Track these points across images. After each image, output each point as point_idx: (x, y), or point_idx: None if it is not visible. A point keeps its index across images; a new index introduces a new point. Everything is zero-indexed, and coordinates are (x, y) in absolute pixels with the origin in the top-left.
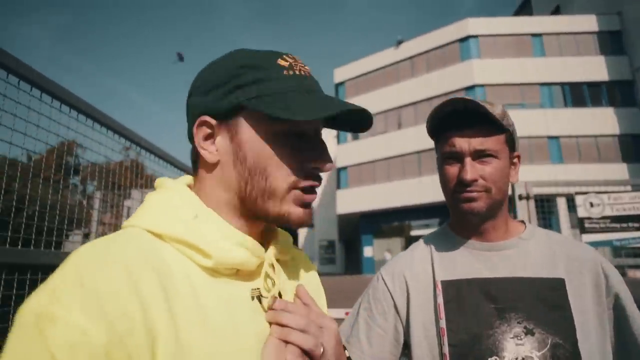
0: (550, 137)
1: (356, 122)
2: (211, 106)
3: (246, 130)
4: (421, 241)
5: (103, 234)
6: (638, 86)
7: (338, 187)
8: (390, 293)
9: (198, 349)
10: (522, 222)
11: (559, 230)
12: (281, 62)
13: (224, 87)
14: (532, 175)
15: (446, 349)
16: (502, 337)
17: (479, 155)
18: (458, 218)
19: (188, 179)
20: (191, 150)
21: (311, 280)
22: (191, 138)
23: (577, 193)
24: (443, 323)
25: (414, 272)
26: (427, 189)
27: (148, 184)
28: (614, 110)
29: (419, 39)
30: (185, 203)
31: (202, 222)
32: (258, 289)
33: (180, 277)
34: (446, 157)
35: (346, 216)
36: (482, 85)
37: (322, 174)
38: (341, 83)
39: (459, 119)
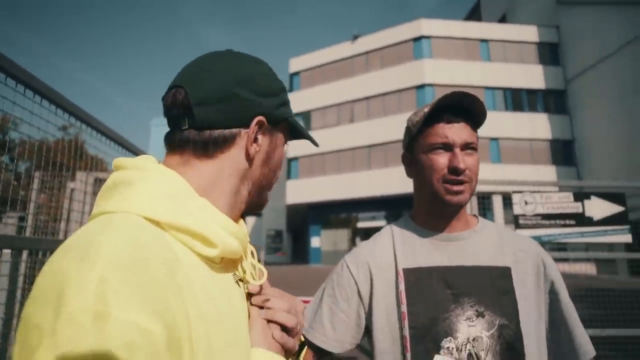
0: (492, 139)
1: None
2: (270, 112)
3: (280, 139)
4: (384, 231)
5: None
6: (569, 95)
7: (288, 177)
8: (355, 280)
9: (218, 340)
10: (475, 216)
11: None
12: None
13: (277, 99)
14: None
15: (407, 332)
16: (457, 319)
17: (466, 147)
18: (429, 208)
19: (152, 159)
20: (194, 134)
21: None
22: (223, 124)
23: (514, 192)
24: (404, 308)
25: (377, 261)
26: (376, 183)
27: (93, 165)
28: (548, 116)
29: (374, 35)
30: (183, 190)
31: (202, 211)
32: (235, 274)
33: (189, 267)
34: (436, 147)
35: (295, 206)
36: (431, 85)
37: None
38: (296, 73)
39: (444, 113)
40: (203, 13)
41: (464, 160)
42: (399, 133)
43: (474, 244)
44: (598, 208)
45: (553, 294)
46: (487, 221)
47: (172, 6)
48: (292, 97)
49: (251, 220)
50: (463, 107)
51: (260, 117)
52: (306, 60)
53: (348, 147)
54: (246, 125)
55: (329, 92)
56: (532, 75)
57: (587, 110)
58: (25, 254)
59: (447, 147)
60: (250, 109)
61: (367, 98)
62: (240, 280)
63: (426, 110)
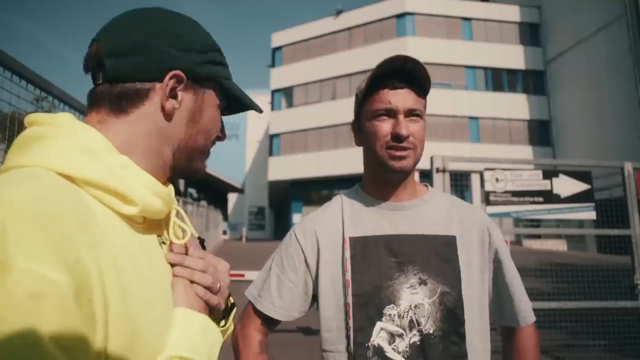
0: (471, 118)
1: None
2: (191, 66)
3: (210, 99)
4: (334, 200)
5: None
6: (548, 77)
7: (270, 154)
8: (302, 248)
9: (136, 296)
10: (426, 185)
11: (471, 203)
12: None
13: (203, 56)
14: (452, 152)
15: (350, 299)
16: (400, 287)
17: (410, 113)
18: (376, 176)
19: (71, 116)
20: (121, 90)
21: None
22: (136, 77)
23: (485, 169)
24: (349, 275)
25: (325, 229)
26: (358, 160)
27: None
28: (527, 97)
29: (358, 11)
30: (102, 147)
31: (123, 169)
32: (161, 235)
33: (105, 223)
34: (379, 113)
35: (277, 183)
36: None
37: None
38: (279, 48)
39: (391, 79)
40: None
41: (407, 126)
42: None
43: (422, 212)
44: (566, 186)
45: (497, 262)
46: (437, 191)
47: None
48: (274, 72)
49: (234, 196)
50: (408, 73)
51: (177, 72)
52: (289, 35)
53: (330, 124)
54: (161, 80)
55: (312, 68)
56: (512, 56)
57: (564, 91)
58: None
59: (391, 113)
60: (166, 62)
61: (349, 75)
62: (164, 242)
63: (370, 78)
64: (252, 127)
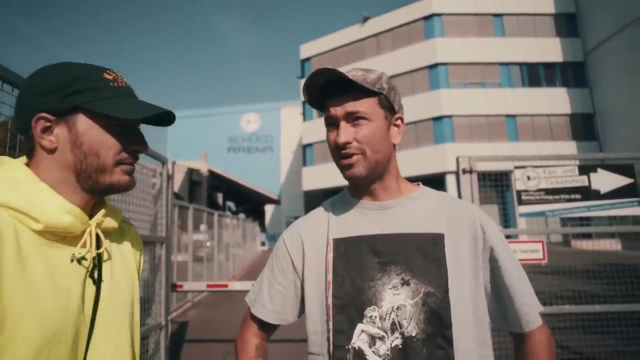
0: (508, 116)
1: (165, 119)
2: (50, 106)
3: (83, 124)
4: (323, 203)
5: None
6: (589, 68)
7: (304, 164)
8: (289, 252)
9: (13, 294)
10: (418, 184)
11: (512, 203)
12: (106, 75)
13: (62, 92)
14: (489, 152)
15: (330, 301)
16: (382, 288)
17: (352, 118)
18: (349, 182)
19: (24, 159)
20: (24, 139)
21: (135, 251)
22: (24, 130)
23: (515, 167)
24: (330, 277)
25: (311, 233)
26: None
27: None
28: (567, 90)
29: (384, 16)
30: (21, 177)
31: (34, 193)
32: (81, 254)
33: (7, 238)
34: (327, 124)
35: (311, 192)
36: (444, 64)
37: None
38: (307, 59)
39: (333, 88)
40: (214, 6)
41: (347, 133)
42: (412, 115)
43: (409, 211)
44: (605, 181)
45: (493, 262)
46: (428, 188)
47: None
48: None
49: (270, 207)
50: (344, 79)
51: (40, 114)
52: (316, 45)
53: None
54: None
55: None
56: (549, 49)
57: (608, 81)
58: None
59: (334, 122)
60: (30, 111)
61: None
62: (84, 258)
63: (303, 93)
64: (285, 139)
